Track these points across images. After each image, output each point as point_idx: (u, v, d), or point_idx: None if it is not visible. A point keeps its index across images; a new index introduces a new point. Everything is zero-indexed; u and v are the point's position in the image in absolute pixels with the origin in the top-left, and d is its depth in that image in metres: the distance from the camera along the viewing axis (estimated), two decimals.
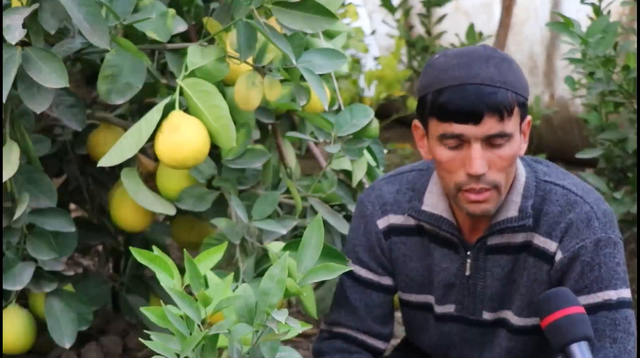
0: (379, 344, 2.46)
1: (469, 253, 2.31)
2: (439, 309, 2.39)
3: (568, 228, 2.24)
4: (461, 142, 2.16)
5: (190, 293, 2.02)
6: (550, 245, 2.26)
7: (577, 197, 2.26)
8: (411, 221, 2.37)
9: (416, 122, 2.25)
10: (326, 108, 2.48)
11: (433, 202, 2.32)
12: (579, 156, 3.61)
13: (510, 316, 2.33)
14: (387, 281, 2.42)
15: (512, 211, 2.26)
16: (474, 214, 2.22)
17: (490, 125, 2.13)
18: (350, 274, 2.42)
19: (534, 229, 2.27)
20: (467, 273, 2.33)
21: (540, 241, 2.27)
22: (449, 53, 2.21)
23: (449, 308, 2.38)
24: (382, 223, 2.39)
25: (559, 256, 2.25)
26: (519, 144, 2.20)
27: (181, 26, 2.57)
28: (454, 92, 2.13)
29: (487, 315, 2.35)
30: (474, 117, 2.13)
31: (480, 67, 2.15)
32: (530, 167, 2.31)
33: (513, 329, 2.34)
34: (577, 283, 2.23)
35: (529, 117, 2.22)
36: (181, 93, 2.52)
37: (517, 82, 2.17)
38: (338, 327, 2.45)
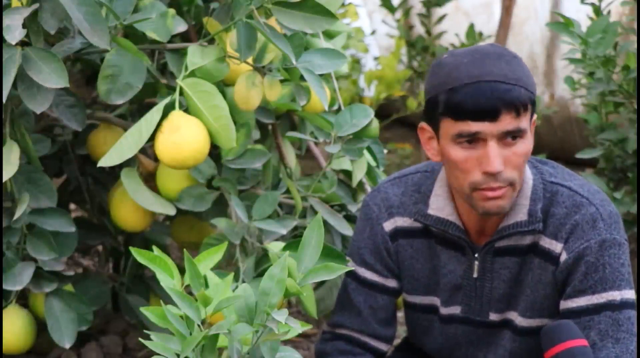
0: (382, 346, 2.45)
1: (476, 255, 2.31)
2: (444, 311, 2.39)
3: (573, 229, 2.24)
4: (477, 140, 2.15)
5: (190, 293, 2.02)
6: (556, 246, 2.25)
7: (583, 198, 2.26)
8: (418, 223, 2.36)
9: (423, 124, 2.24)
10: (326, 108, 2.48)
11: (439, 205, 2.31)
12: (579, 156, 3.61)
13: (515, 317, 2.33)
14: (392, 283, 2.42)
15: (521, 215, 2.25)
16: (489, 212, 2.20)
17: (506, 122, 2.13)
18: (355, 276, 2.42)
19: (541, 231, 2.26)
20: (475, 275, 2.32)
21: (546, 242, 2.26)
22: (457, 52, 2.20)
23: (455, 310, 2.37)
24: (388, 226, 2.39)
25: (563, 256, 2.24)
26: (531, 140, 2.19)
27: (181, 26, 2.57)
28: (469, 90, 2.12)
29: (493, 317, 2.35)
30: (491, 115, 2.12)
31: (493, 64, 2.14)
32: (536, 169, 2.31)
33: (517, 330, 2.33)
34: (581, 284, 2.23)
35: (535, 116, 2.21)
36: (181, 93, 2.52)
37: (528, 80, 2.16)
38: (341, 328, 2.45)
